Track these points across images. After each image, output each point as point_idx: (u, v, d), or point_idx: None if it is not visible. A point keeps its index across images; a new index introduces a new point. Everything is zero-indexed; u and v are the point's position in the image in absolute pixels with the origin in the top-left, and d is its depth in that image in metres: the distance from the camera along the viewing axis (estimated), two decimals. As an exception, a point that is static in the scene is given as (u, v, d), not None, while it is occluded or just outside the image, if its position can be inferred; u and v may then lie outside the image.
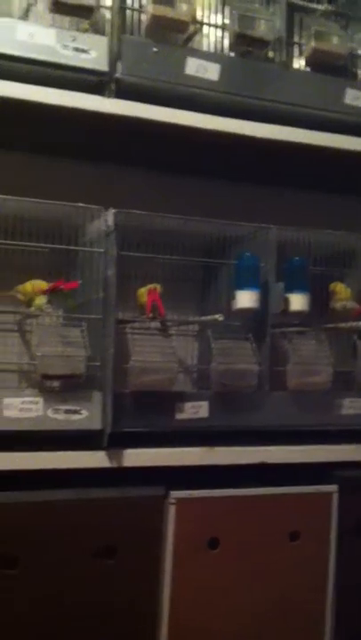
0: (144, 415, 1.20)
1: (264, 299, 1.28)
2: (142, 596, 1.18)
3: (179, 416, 1.22)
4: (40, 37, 1.16)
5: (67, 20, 1.22)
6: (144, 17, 1.25)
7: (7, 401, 1.10)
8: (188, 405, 1.23)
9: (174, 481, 1.20)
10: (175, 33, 1.27)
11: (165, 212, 1.25)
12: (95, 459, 1.15)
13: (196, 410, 1.23)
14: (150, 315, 1.25)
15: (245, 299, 1.28)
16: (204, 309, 1.45)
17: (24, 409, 1.11)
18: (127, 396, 1.19)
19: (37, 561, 1.11)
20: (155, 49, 1.23)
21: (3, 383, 1.27)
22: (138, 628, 1.18)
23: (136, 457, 1.17)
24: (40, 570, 1.11)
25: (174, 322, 1.34)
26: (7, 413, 1.10)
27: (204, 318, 1.35)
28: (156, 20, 1.23)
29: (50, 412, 1.13)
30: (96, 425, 1.15)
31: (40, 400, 1.12)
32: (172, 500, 1.19)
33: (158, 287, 1.26)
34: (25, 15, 1.25)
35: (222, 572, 1.22)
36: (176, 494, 1.19)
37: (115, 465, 1.16)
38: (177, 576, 1.19)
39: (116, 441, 1.17)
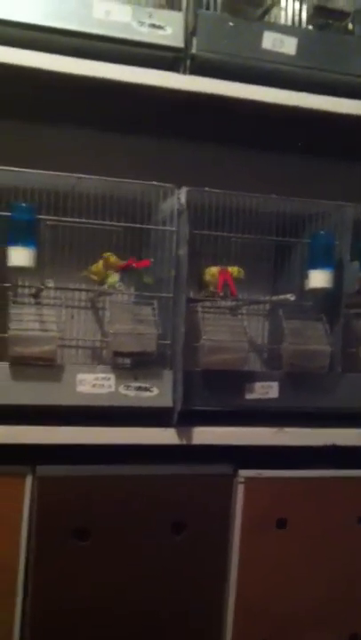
0: (214, 394, 1.20)
1: (338, 278, 1.26)
2: (209, 573, 1.19)
3: (249, 396, 1.22)
4: (116, 15, 1.17)
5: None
6: (221, -9, 1.24)
7: (80, 376, 1.13)
8: (258, 385, 1.22)
9: (243, 460, 1.21)
10: (252, 7, 1.24)
11: (236, 189, 1.24)
12: (165, 435, 1.16)
13: (266, 390, 1.23)
14: (221, 293, 1.25)
15: (319, 278, 1.25)
16: (276, 289, 1.44)
17: (97, 385, 1.14)
18: (197, 375, 1.19)
19: (108, 534, 1.14)
20: (231, 23, 1.22)
21: (75, 359, 1.30)
22: (204, 605, 1.19)
23: (205, 435, 1.18)
24: (110, 543, 1.14)
25: (245, 301, 1.33)
26: (80, 389, 1.13)
27: (275, 298, 1.33)
28: (234, -6, 1.21)
29: (121, 389, 1.15)
30: (166, 402, 1.16)
31: (112, 377, 1.14)
32: (241, 479, 1.19)
33: (236, 271, 1.25)
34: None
35: (289, 553, 1.22)
36: (245, 473, 1.19)
37: (184, 442, 1.17)
38: (244, 555, 1.20)
39: (186, 419, 1.17)
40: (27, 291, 1.24)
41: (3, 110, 1.28)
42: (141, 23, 1.17)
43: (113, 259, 1.19)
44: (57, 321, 1.14)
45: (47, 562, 1.12)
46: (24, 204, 1.15)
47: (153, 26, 1.17)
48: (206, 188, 1.20)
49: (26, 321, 1.13)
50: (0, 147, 1.22)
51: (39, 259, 1.16)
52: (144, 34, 1.17)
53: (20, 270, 1.16)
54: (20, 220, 1.13)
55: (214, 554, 1.20)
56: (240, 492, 1.19)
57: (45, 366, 1.11)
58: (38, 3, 1.12)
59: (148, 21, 1.17)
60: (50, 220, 1.19)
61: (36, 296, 1.20)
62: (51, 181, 1.17)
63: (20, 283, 1.25)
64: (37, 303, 1.19)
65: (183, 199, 1.19)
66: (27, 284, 1.25)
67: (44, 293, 1.20)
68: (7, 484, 1.09)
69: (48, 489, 1.11)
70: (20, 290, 1.24)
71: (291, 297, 1.22)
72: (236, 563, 1.20)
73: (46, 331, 1.13)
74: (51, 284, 1.18)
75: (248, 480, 1.19)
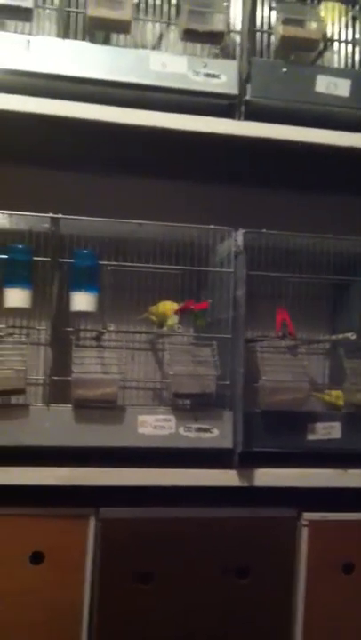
0: (275, 435, 1.20)
1: None
2: (274, 618, 1.17)
3: (310, 437, 1.20)
4: (172, 66, 1.21)
5: (198, 45, 1.27)
6: (273, 38, 1.27)
7: (142, 418, 1.14)
8: (320, 426, 1.21)
9: (304, 502, 1.19)
10: (305, 52, 1.27)
11: (292, 229, 1.24)
12: (226, 477, 1.16)
13: (328, 431, 1.21)
14: (280, 333, 1.25)
15: (379, 317, 1.25)
16: (335, 327, 1.43)
17: (158, 426, 1.15)
18: (257, 416, 1.19)
19: (170, 576, 1.14)
20: (284, 69, 1.24)
21: (136, 400, 1.31)
22: (269, 650, 1.18)
23: (267, 477, 1.17)
24: (172, 585, 1.14)
25: (305, 340, 1.32)
26: (142, 430, 1.14)
27: (335, 337, 1.33)
28: (286, 41, 1.24)
29: (182, 430, 1.16)
30: (227, 444, 1.16)
31: (173, 418, 1.15)
32: (305, 522, 1.17)
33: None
34: (158, 44, 1.31)
35: (357, 598, 1.19)
36: (309, 516, 1.17)
37: (245, 484, 1.16)
38: (310, 600, 1.17)
39: (247, 460, 1.17)
40: (89, 334, 1.27)
41: (65, 162, 1.33)
42: (197, 73, 1.21)
43: (170, 304, 1.21)
44: (118, 363, 1.17)
45: (111, 603, 1.12)
46: (86, 251, 1.20)
47: (208, 75, 1.21)
48: (263, 230, 1.22)
49: (88, 364, 1.16)
50: (64, 197, 1.26)
51: (101, 303, 1.20)
52: (199, 83, 1.21)
53: (83, 314, 1.20)
54: (83, 267, 1.18)
55: (279, 598, 1.17)
56: (304, 535, 1.17)
57: (107, 408, 1.14)
58: (98, 58, 1.17)
59: (203, 71, 1.21)
60: (111, 265, 1.23)
61: (97, 339, 1.23)
62: (112, 228, 1.21)
63: (82, 326, 1.28)
64: (99, 346, 1.21)
65: (240, 241, 1.21)
66: (89, 327, 1.28)
67: (106, 336, 1.23)
68: (72, 526, 1.11)
69: (111, 531, 1.12)
70: (82, 333, 1.27)
71: (352, 336, 1.20)
72: (301, 608, 1.17)
73: (108, 373, 1.15)
74: (112, 327, 1.20)
75: (313, 523, 1.17)
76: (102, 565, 1.12)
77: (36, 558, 1.10)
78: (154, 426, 1.14)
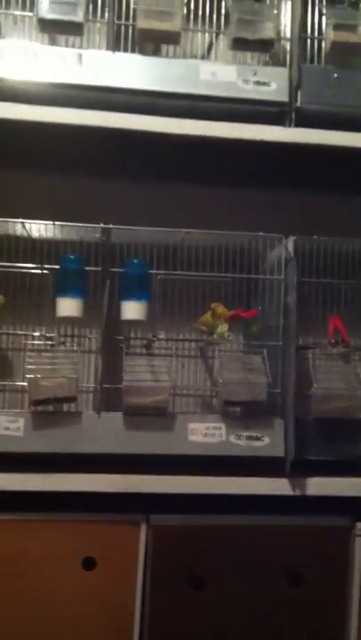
0: (327, 443, 1.18)
1: None
2: (327, 627, 1.15)
3: (364, 445, 1.19)
4: (222, 75, 1.21)
5: (247, 53, 1.27)
6: (324, 44, 1.26)
7: (192, 426, 1.14)
8: (374, 434, 1.19)
9: (357, 511, 1.17)
10: (356, 56, 1.25)
11: (343, 235, 1.23)
12: (278, 486, 1.15)
13: (383, 439, 1.19)
14: (332, 340, 1.24)
15: None
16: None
17: (208, 434, 1.15)
18: (309, 424, 1.18)
19: (220, 584, 1.13)
20: (335, 75, 1.23)
21: (186, 408, 1.32)
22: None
23: (320, 486, 1.15)
24: (223, 593, 1.13)
25: (358, 347, 1.30)
26: (192, 438, 1.14)
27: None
28: (338, 46, 1.23)
29: (232, 438, 1.15)
30: (278, 452, 1.15)
31: (223, 426, 1.15)
32: (359, 532, 1.15)
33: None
34: (207, 54, 1.32)
35: None
36: (363, 526, 1.16)
37: (298, 493, 1.15)
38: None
39: (298, 468, 1.16)
40: (139, 342, 1.29)
41: (115, 172, 1.35)
42: (246, 81, 1.21)
43: (221, 309, 1.21)
44: (168, 371, 1.17)
45: (162, 609, 1.12)
46: (136, 261, 1.21)
47: (258, 83, 1.21)
48: (315, 236, 1.21)
49: (138, 372, 1.17)
50: (114, 206, 1.28)
51: (151, 311, 1.21)
52: (249, 91, 1.21)
53: (133, 323, 1.21)
54: (133, 275, 1.19)
55: (333, 607, 1.16)
56: (359, 544, 1.15)
57: (158, 415, 1.14)
58: (148, 70, 1.19)
59: (253, 79, 1.21)
60: (160, 274, 1.24)
61: (148, 347, 1.24)
62: (161, 237, 1.22)
63: (132, 335, 1.30)
64: (149, 354, 1.22)
65: (290, 248, 1.20)
66: (139, 335, 1.30)
67: (156, 344, 1.23)
68: (123, 532, 1.12)
69: (162, 538, 1.12)
70: (132, 341, 1.29)
71: None
72: (355, 617, 1.15)
73: (158, 381, 1.16)
74: (162, 335, 1.21)
75: (367, 533, 1.16)
76: (154, 572, 1.12)
77: (88, 564, 1.11)
78: (204, 434, 1.15)
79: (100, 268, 1.19)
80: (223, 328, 1.20)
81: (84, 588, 1.11)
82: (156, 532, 1.12)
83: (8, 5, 1.21)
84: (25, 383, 1.13)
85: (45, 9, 1.16)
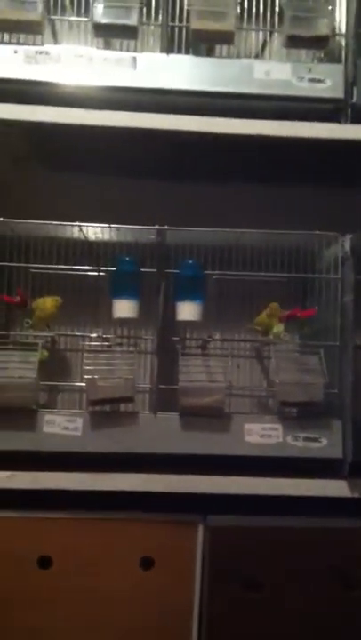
0: (387, 445, 1.17)
1: None
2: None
3: None
4: (276, 73, 1.20)
5: (302, 50, 1.26)
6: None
7: (248, 426, 1.14)
8: None
9: None
10: None
11: None
12: (335, 487, 1.13)
13: None
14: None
15: None
16: None
17: (265, 435, 1.14)
18: (368, 425, 1.17)
19: (277, 586, 1.12)
20: (392, 69, 1.21)
21: (242, 408, 1.31)
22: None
23: (378, 488, 1.15)
24: (280, 595, 1.12)
25: None
26: (248, 439, 1.14)
27: None
28: (394, 41, 1.21)
29: (289, 439, 1.14)
30: (336, 454, 1.14)
31: (279, 427, 1.14)
32: None
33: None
34: (261, 52, 1.31)
35: None
36: None
37: (356, 495, 1.13)
38: None
39: (357, 470, 1.14)
40: (194, 343, 1.29)
41: (169, 174, 1.36)
42: (301, 79, 1.20)
43: (276, 308, 1.20)
44: (224, 371, 1.17)
45: (220, 610, 1.12)
46: (191, 261, 1.21)
47: (313, 80, 1.19)
48: (370, 235, 1.19)
49: (194, 372, 1.17)
50: (168, 208, 1.29)
51: (205, 311, 1.21)
52: (304, 89, 1.19)
53: (189, 323, 1.22)
54: (188, 276, 1.19)
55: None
56: None
57: (214, 416, 1.14)
58: (202, 70, 1.19)
59: (308, 76, 1.19)
60: (215, 274, 1.24)
61: (203, 348, 1.24)
62: (216, 237, 1.22)
63: (188, 335, 1.30)
64: (205, 355, 1.23)
65: (347, 246, 1.18)
66: (194, 336, 1.30)
67: (211, 345, 1.23)
68: (180, 532, 1.12)
69: (219, 538, 1.12)
70: (188, 342, 1.29)
71: None
72: None
73: (214, 381, 1.16)
74: (217, 335, 1.21)
75: None
76: (211, 572, 1.12)
77: (146, 563, 1.12)
78: (260, 434, 1.14)
79: (155, 270, 1.20)
80: (279, 328, 1.19)
81: (141, 588, 1.11)
82: (213, 533, 1.12)
83: (64, 11, 1.24)
84: (83, 384, 1.15)
85: (100, 14, 1.17)
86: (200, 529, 1.12)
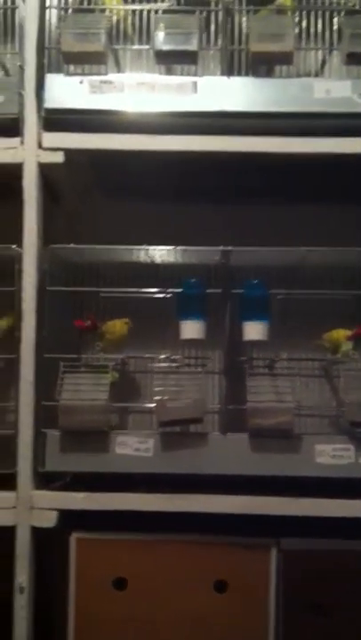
0: None
1: None
2: None
3: None
4: (336, 91, 1.19)
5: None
6: None
7: (319, 447, 1.13)
8: None
9: None
10: None
11: None
12: None
13: None
14: None
15: None
16: None
17: (336, 455, 1.13)
18: None
19: (353, 611, 1.11)
20: None
21: (312, 428, 1.30)
22: None
23: None
24: (355, 620, 1.11)
25: None
26: (319, 460, 1.13)
27: None
28: None
29: (361, 460, 1.13)
30: None
31: (351, 447, 1.13)
32: None
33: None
34: (321, 70, 1.31)
35: None
36: None
37: None
38: None
39: None
40: (261, 362, 1.28)
41: (234, 195, 1.37)
42: (362, 95, 1.19)
43: (343, 330, 1.19)
44: (292, 391, 1.17)
45: (293, 634, 1.11)
46: (256, 281, 1.21)
47: (374, 95, 1.19)
48: None
49: (262, 392, 1.17)
50: (232, 229, 1.30)
51: (271, 331, 1.21)
52: (365, 105, 1.19)
53: (255, 343, 1.22)
54: (254, 297, 1.19)
55: None
56: None
57: (284, 437, 1.14)
58: (262, 91, 1.19)
59: (369, 93, 1.19)
60: (280, 293, 1.23)
61: (270, 367, 1.24)
62: (280, 257, 1.22)
63: (255, 355, 1.30)
64: (272, 374, 1.22)
65: None
66: (261, 356, 1.30)
67: (278, 364, 1.23)
68: (254, 555, 1.12)
69: (292, 562, 1.12)
70: (255, 362, 1.29)
71: None
72: None
73: (282, 402, 1.15)
74: (284, 355, 1.21)
75: None
76: (285, 597, 1.12)
77: (220, 586, 1.12)
78: (332, 455, 1.13)
79: (220, 290, 1.21)
80: (348, 346, 1.18)
81: (215, 611, 1.11)
82: (286, 557, 1.12)
83: (126, 40, 1.26)
84: (153, 405, 1.16)
85: (161, 41, 1.19)
86: (273, 552, 1.12)
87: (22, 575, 1.13)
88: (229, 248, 1.19)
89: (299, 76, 1.29)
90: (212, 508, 1.12)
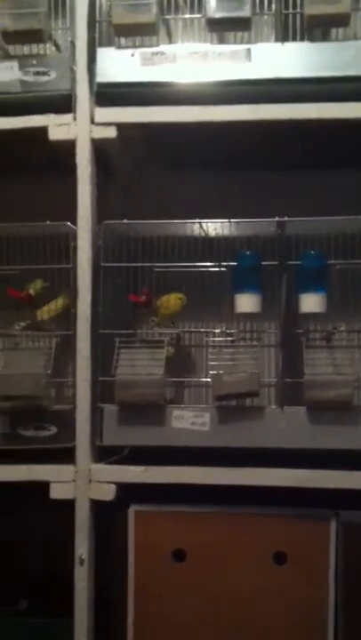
0: None
1: None
2: None
3: None
4: None
5: None
6: None
7: None
8: None
9: None
10: None
11: None
12: None
13: None
14: None
15: None
16: None
17: None
18: None
19: None
20: None
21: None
22: None
23: None
24: None
25: None
26: None
27: None
28: None
29: None
30: None
31: None
32: None
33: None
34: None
35: None
36: None
37: None
38: None
39: None
40: (319, 335, 1.26)
41: (286, 164, 1.34)
42: None
43: None
44: (350, 363, 1.14)
45: (352, 607, 1.10)
46: (313, 252, 1.19)
47: None
48: None
49: (320, 365, 1.15)
50: (287, 199, 1.28)
51: (329, 302, 1.18)
52: None
53: (312, 315, 1.19)
54: (311, 268, 1.17)
55: None
56: None
57: (342, 409, 1.11)
58: (319, 57, 1.14)
59: None
60: (339, 263, 1.21)
61: (328, 340, 1.21)
62: (338, 226, 1.19)
63: (312, 327, 1.28)
64: (330, 347, 1.20)
65: None
66: (318, 328, 1.28)
67: (336, 336, 1.21)
68: (313, 528, 1.11)
69: (352, 534, 1.10)
70: (312, 334, 1.26)
71: None
72: None
73: (341, 374, 1.13)
74: (342, 326, 1.18)
75: None
76: (345, 569, 1.10)
77: (279, 559, 1.11)
78: None
79: (276, 262, 1.19)
80: None
81: (275, 583, 1.11)
82: (346, 529, 1.10)
83: (177, 10, 1.24)
84: (208, 379, 1.16)
85: (213, 8, 1.16)
86: (333, 525, 1.10)
87: (82, 547, 1.15)
88: (285, 219, 1.17)
89: (356, 38, 1.24)
90: (271, 482, 1.11)
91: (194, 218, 1.20)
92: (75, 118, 1.18)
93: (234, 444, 1.14)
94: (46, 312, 1.26)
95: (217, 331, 1.25)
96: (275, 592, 1.11)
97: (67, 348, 1.21)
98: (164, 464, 1.14)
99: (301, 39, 1.19)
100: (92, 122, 1.18)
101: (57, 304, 1.26)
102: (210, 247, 1.27)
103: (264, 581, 1.11)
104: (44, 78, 1.19)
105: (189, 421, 1.14)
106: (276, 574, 1.11)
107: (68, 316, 1.21)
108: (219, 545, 1.12)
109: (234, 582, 1.11)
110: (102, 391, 1.17)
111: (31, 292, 1.26)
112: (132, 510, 1.14)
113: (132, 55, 1.18)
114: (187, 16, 1.24)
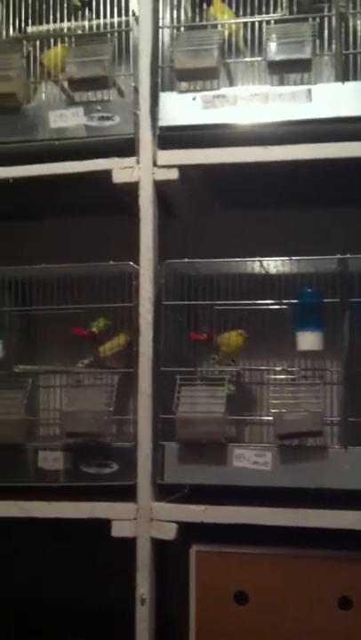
0: None
1: None
2: None
3: None
4: None
5: None
6: None
7: None
8: None
9: None
10: None
11: None
12: None
13: None
14: None
15: None
16: None
17: None
18: None
19: None
20: None
21: None
22: None
23: None
24: None
25: None
26: None
27: None
28: None
29: None
30: None
31: None
32: None
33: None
34: None
35: None
36: None
37: None
38: None
39: None
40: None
41: (349, 200, 1.33)
42: None
43: None
44: None
45: None
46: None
47: None
48: None
49: None
50: (348, 236, 1.27)
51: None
52: None
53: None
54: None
55: None
56: None
57: None
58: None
59: None
60: None
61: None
62: None
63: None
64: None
65: None
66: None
67: None
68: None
69: None
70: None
71: None
72: None
73: None
74: None
75: None
76: None
77: (344, 603, 1.08)
78: None
79: (338, 300, 1.18)
80: None
81: (339, 628, 1.08)
82: None
83: (238, 54, 1.26)
84: (270, 417, 1.15)
85: (273, 51, 1.18)
86: None
87: (143, 586, 1.14)
88: (347, 256, 1.16)
89: None
90: (334, 524, 1.08)
91: (254, 255, 1.21)
92: (138, 161, 1.21)
93: (296, 485, 1.12)
94: (109, 349, 1.28)
95: (278, 368, 1.25)
96: (339, 638, 1.07)
97: (128, 385, 1.23)
98: (224, 502, 1.13)
99: (361, 78, 1.21)
100: (155, 164, 1.20)
101: (119, 341, 1.28)
102: (270, 284, 1.27)
103: (328, 626, 1.08)
104: (108, 123, 1.23)
105: (251, 460, 1.13)
106: (340, 619, 1.08)
107: (129, 354, 1.22)
108: (281, 588, 1.10)
109: (297, 626, 1.09)
110: (163, 429, 1.17)
111: (94, 330, 1.29)
112: (193, 550, 1.13)
113: (194, 99, 1.21)
114: (247, 59, 1.27)
